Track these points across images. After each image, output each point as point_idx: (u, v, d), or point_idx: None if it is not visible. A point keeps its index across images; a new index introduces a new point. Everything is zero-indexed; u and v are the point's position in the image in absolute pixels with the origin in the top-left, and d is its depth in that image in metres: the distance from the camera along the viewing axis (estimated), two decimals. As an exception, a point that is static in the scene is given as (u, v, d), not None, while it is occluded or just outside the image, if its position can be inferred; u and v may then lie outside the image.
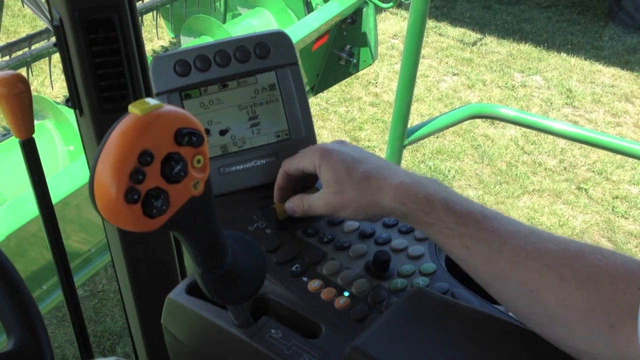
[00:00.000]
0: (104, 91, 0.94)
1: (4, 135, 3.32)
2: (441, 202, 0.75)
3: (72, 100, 0.99)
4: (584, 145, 4.06)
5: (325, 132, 4.59)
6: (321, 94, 4.35)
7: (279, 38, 0.97)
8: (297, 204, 0.87)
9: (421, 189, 0.77)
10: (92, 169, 0.54)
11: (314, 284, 0.82)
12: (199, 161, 0.57)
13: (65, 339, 2.86)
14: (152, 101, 0.54)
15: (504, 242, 0.72)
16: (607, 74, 5.75)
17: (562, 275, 0.69)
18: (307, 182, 0.91)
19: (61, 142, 2.66)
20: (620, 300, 0.65)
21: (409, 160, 4.33)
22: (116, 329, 2.97)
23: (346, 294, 0.81)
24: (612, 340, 0.65)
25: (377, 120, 4.83)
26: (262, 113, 0.95)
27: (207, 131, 0.92)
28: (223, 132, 0.93)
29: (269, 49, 0.95)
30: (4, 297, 0.74)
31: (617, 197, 4.15)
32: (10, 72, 0.91)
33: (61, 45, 0.93)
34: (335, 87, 4.59)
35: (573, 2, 7.06)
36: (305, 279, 0.83)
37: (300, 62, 0.99)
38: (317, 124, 4.63)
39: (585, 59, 5.94)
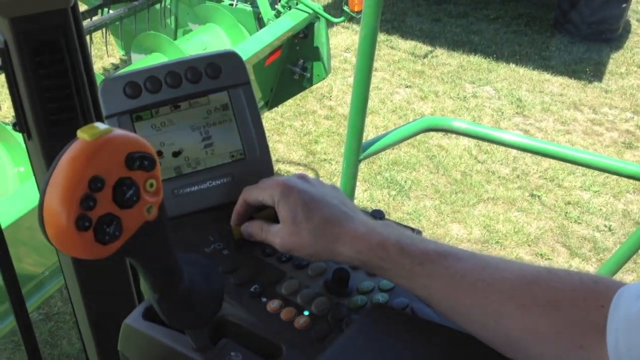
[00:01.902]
0: (52, 114, 0.92)
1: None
2: (394, 246, 0.76)
3: (20, 124, 0.96)
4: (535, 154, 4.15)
5: (281, 146, 4.59)
6: (276, 108, 4.35)
7: (230, 58, 0.96)
8: (255, 231, 0.86)
9: (375, 235, 0.77)
10: (41, 196, 0.52)
11: (273, 304, 0.81)
12: (151, 185, 0.56)
13: (20, 366, 2.78)
14: (101, 126, 0.53)
15: (461, 276, 0.73)
16: (556, 83, 5.90)
17: (522, 303, 0.69)
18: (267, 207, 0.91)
19: (10, 163, 2.60)
20: (585, 320, 0.66)
21: (365, 172, 4.35)
22: (73, 352, 2.90)
23: (306, 313, 0.81)
24: (583, 359, 0.66)
25: (333, 133, 4.85)
26: (215, 133, 0.94)
27: (160, 153, 0.91)
28: (176, 154, 0.92)
29: (220, 69, 0.94)
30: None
31: (569, 203, 4.25)
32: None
33: (7, 69, 0.90)
34: (290, 101, 4.60)
35: (520, 14, 7.24)
36: (264, 299, 0.82)
37: (253, 78, 0.99)
38: (273, 138, 4.63)
39: (534, 69, 6.08)
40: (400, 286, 0.79)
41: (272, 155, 1.00)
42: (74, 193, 0.51)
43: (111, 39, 4.52)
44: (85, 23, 3.90)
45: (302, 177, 0.86)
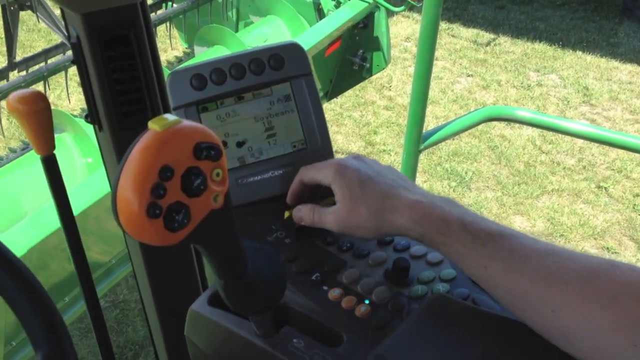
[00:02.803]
0: (122, 106, 0.95)
1: (23, 149, 3.36)
2: (457, 222, 0.75)
3: (91, 116, 1.00)
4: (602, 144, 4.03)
5: (340, 137, 4.60)
6: (335, 99, 4.36)
7: (293, 49, 0.98)
8: (307, 213, 0.86)
9: (436, 209, 0.76)
10: (114, 185, 0.55)
11: (334, 293, 0.82)
12: (217, 174, 0.58)
13: (89, 350, 2.89)
14: (170, 117, 0.55)
15: (524, 261, 0.72)
16: (624, 70, 5.70)
17: (582, 294, 0.68)
18: (323, 191, 0.92)
19: (79, 154, 2.69)
20: None
21: (425, 163, 4.32)
22: (138, 339, 2.99)
23: (366, 302, 0.81)
24: (636, 359, 0.65)
25: (392, 123, 4.82)
26: (278, 124, 0.96)
27: (225, 143, 0.93)
28: (240, 144, 0.94)
29: (283, 60, 0.96)
30: (31, 313, 0.75)
31: (637, 195, 4.12)
32: (30, 90, 0.92)
33: (79, 63, 0.94)
34: (349, 92, 4.59)
35: (587, 0, 7.02)
36: (325, 287, 0.83)
37: (313, 70, 1.00)
38: (332, 129, 4.64)
39: (602, 56, 5.89)
40: (455, 263, 0.78)
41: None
42: (146, 182, 0.53)
43: (175, 32, 4.60)
44: (151, 17, 3.99)
45: (358, 157, 0.86)
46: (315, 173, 0.86)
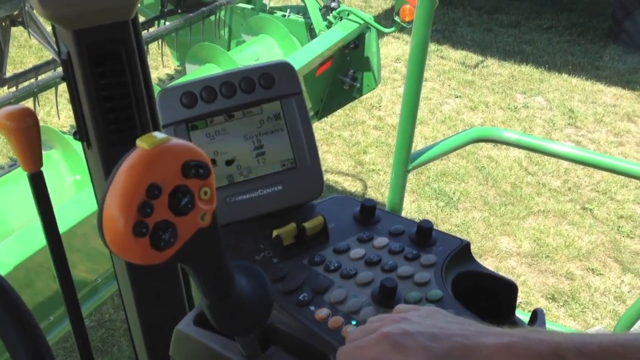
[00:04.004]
0: (112, 124, 0.95)
1: (11, 166, 3.34)
2: (570, 350, 0.64)
3: (80, 133, 1.00)
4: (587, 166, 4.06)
5: (330, 157, 4.61)
6: (325, 118, 4.37)
7: (283, 68, 0.98)
8: None
9: (539, 344, 0.65)
10: (101, 203, 0.55)
11: (321, 313, 0.82)
12: (205, 193, 0.58)
13: (72, 369, 2.85)
14: (159, 135, 0.55)
15: None
16: (609, 93, 5.77)
17: None
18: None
19: (68, 171, 2.67)
20: None
21: (413, 183, 4.33)
22: (123, 359, 2.96)
23: (353, 322, 0.81)
24: None
25: (382, 143, 4.84)
26: (267, 142, 0.96)
27: (214, 161, 0.93)
28: (229, 162, 0.94)
29: (273, 79, 0.96)
30: (13, 331, 0.75)
31: (622, 217, 4.14)
32: (19, 106, 0.92)
33: (69, 79, 0.94)
34: (339, 112, 4.61)
35: (573, 24, 7.11)
36: (312, 307, 0.83)
37: (304, 89, 1.00)
38: (322, 149, 4.65)
39: (587, 79, 5.96)
40: None
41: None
42: (133, 200, 0.53)
43: (166, 50, 4.61)
44: (143, 35, 4.00)
45: (400, 318, 0.72)
46: (363, 353, 0.69)
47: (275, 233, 0.92)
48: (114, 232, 0.54)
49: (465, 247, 0.95)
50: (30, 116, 0.90)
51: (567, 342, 0.65)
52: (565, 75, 6.03)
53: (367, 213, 0.99)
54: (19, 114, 0.89)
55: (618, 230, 4.03)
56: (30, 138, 0.91)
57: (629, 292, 3.55)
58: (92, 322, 3.11)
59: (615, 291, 3.55)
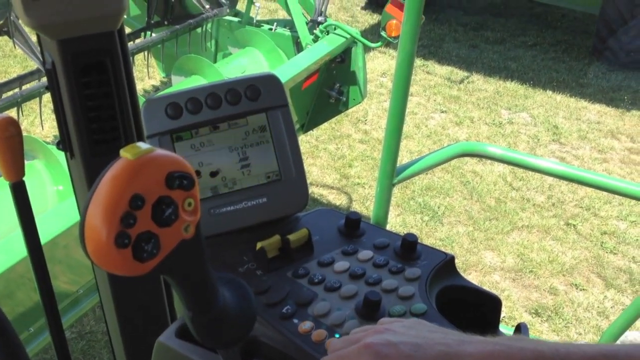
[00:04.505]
0: (95, 134, 0.95)
1: (-7, 175, 3.31)
2: (552, 357, 0.64)
3: (63, 143, 0.99)
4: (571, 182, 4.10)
5: (315, 169, 4.61)
6: (311, 131, 4.38)
7: (270, 80, 0.98)
8: None
9: (522, 353, 0.65)
10: (83, 213, 0.54)
11: (304, 326, 0.82)
12: (189, 204, 0.58)
13: (52, 381, 2.82)
14: (143, 145, 0.55)
15: None
16: (593, 110, 5.83)
17: None
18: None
19: (50, 182, 2.66)
20: None
21: (398, 197, 4.34)
22: (104, 371, 2.93)
23: (337, 335, 0.81)
24: None
25: (367, 157, 4.85)
26: (252, 154, 0.96)
27: (198, 173, 0.93)
28: (214, 174, 0.94)
29: (259, 91, 0.96)
30: (-9, 342, 0.74)
31: (605, 233, 4.17)
32: (1, 115, 0.91)
33: (53, 88, 0.93)
34: (325, 125, 4.62)
35: (558, 41, 7.19)
36: (295, 320, 0.83)
37: (290, 102, 1.00)
38: (307, 161, 4.65)
39: (571, 96, 6.02)
40: None
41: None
42: (115, 210, 0.52)
43: (152, 61, 4.61)
44: (129, 46, 3.99)
45: (382, 329, 0.72)
46: None
47: (259, 245, 0.92)
48: (95, 242, 0.53)
49: (449, 261, 0.95)
50: (13, 125, 0.89)
51: (551, 351, 0.65)
52: (549, 92, 6.09)
53: (352, 226, 0.99)
54: (2, 123, 0.88)
55: (601, 246, 4.06)
56: (12, 147, 0.90)
57: (612, 307, 3.57)
58: (72, 334, 3.08)
59: (598, 306, 3.57)
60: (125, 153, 0.54)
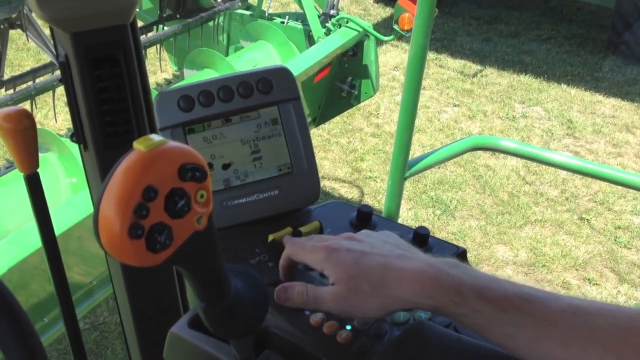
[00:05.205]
0: (108, 126, 0.95)
1: (7, 167, 3.34)
2: (471, 290, 0.70)
3: (77, 135, 1.00)
4: (585, 176, 4.07)
5: (327, 163, 4.61)
6: (323, 125, 4.38)
7: (282, 73, 0.98)
8: (298, 294, 0.79)
9: (445, 277, 0.71)
10: (97, 204, 0.55)
11: (315, 318, 0.82)
12: (202, 196, 0.58)
13: (66, 372, 2.84)
14: (156, 137, 0.55)
15: (552, 325, 0.67)
16: (608, 104, 5.78)
17: (622, 355, 0.64)
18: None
19: (64, 174, 2.68)
20: None
21: (410, 191, 4.33)
22: (117, 362, 2.95)
23: (348, 327, 0.81)
24: None
25: (379, 151, 4.85)
26: (264, 147, 0.96)
27: (210, 165, 0.93)
28: (226, 166, 0.94)
29: (271, 84, 0.97)
30: (6, 330, 0.74)
31: (619, 228, 4.15)
32: (16, 107, 0.92)
33: (66, 81, 0.94)
34: (337, 119, 4.62)
35: (573, 34, 7.13)
36: (307, 312, 0.83)
37: (302, 95, 1.01)
38: (319, 155, 4.65)
39: (586, 90, 5.97)
40: (476, 333, 0.72)
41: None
42: (129, 202, 0.53)
43: (165, 55, 4.62)
44: (141, 39, 4.01)
45: (349, 237, 0.80)
46: (304, 255, 0.80)
47: (271, 237, 0.92)
48: (109, 233, 0.54)
49: (461, 254, 0.95)
50: (27, 117, 0.90)
51: (472, 282, 0.70)
52: (564, 86, 6.04)
53: (364, 219, 0.99)
54: (16, 115, 0.89)
55: (615, 240, 4.04)
56: (26, 139, 0.91)
57: (625, 302, 3.55)
58: (86, 325, 3.11)
59: (611, 301, 3.55)
60: (138, 145, 0.54)
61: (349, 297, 0.74)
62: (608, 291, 3.62)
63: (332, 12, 3.79)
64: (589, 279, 3.70)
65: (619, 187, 4.39)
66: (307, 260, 0.80)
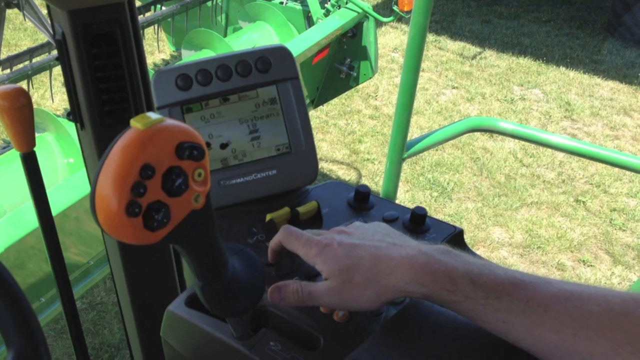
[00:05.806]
0: (105, 105, 0.95)
1: (4, 147, 3.33)
2: (464, 277, 0.70)
3: (74, 114, 1.00)
4: (581, 158, 4.07)
5: (325, 145, 4.61)
6: (321, 106, 4.36)
7: (280, 53, 0.98)
8: (291, 293, 0.78)
9: (437, 264, 0.71)
10: (94, 182, 0.54)
11: (312, 297, 0.82)
12: (199, 175, 0.58)
13: (64, 351, 2.86)
14: (153, 115, 0.55)
15: (544, 310, 0.68)
16: (606, 87, 5.77)
17: (614, 340, 0.65)
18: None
19: (61, 154, 2.67)
20: None
21: (408, 173, 4.33)
22: (114, 342, 2.97)
23: (345, 306, 0.81)
24: None
25: (377, 133, 4.84)
26: (262, 127, 0.96)
27: (208, 145, 0.93)
28: (224, 146, 0.94)
29: (270, 63, 0.96)
30: (4, 309, 0.75)
31: (614, 210, 4.16)
32: (12, 85, 0.91)
33: (63, 60, 0.93)
34: (336, 100, 4.61)
35: (572, 17, 7.10)
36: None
37: (300, 76, 1.00)
38: (317, 137, 4.64)
39: (584, 73, 5.96)
40: (470, 319, 0.72)
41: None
42: (126, 179, 0.53)
43: (162, 35, 4.59)
44: (139, 19, 3.98)
45: (340, 231, 0.81)
46: (297, 246, 0.79)
47: (268, 217, 0.92)
48: (106, 211, 0.54)
49: (458, 234, 0.95)
50: (23, 96, 0.90)
51: (464, 269, 0.70)
52: (563, 69, 6.03)
53: (362, 199, 0.99)
54: (13, 94, 0.89)
55: (610, 222, 4.05)
56: (23, 118, 0.91)
57: (619, 283, 3.57)
58: (83, 304, 3.12)
59: (605, 282, 3.57)
60: (136, 123, 0.54)
61: (342, 291, 0.74)
62: (602, 273, 3.64)
63: (331, -8, 3.76)
64: (583, 261, 3.72)
65: (616, 170, 4.41)
66: (299, 252, 0.79)
